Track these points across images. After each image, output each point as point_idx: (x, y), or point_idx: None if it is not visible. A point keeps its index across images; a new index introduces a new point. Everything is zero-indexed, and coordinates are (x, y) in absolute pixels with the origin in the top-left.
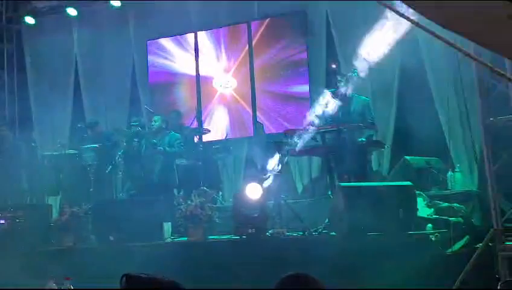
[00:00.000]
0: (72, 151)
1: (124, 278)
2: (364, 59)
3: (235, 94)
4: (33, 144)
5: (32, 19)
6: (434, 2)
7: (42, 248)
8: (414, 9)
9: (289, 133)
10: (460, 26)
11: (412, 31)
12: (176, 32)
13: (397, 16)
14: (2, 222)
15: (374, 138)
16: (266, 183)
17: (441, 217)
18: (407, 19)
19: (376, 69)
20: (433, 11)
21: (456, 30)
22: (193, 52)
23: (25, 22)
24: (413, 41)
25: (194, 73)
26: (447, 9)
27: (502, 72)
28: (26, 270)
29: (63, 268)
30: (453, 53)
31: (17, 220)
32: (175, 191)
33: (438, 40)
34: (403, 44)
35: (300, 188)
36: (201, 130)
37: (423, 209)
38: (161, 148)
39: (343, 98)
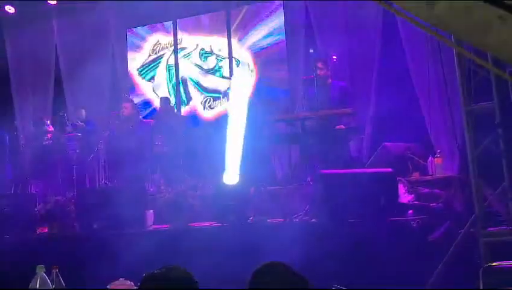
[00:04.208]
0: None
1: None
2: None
3: None
4: (15, 133)
5: (12, 8)
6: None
7: (27, 237)
8: (408, 10)
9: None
10: (451, 26)
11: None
12: (156, 20)
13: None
14: None
15: (353, 125)
16: None
17: (422, 203)
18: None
19: (355, 55)
20: (425, 12)
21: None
22: (172, 39)
23: (5, 10)
24: (392, 26)
25: (173, 61)
26: (438, 10)
27: (484, 61)
28: (13, 259)
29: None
30: (433, 37)
31: (5, 209)
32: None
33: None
34: (382, 29)
35: (279, 175)
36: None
37: (404, 196)
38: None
39: (321, 84)
